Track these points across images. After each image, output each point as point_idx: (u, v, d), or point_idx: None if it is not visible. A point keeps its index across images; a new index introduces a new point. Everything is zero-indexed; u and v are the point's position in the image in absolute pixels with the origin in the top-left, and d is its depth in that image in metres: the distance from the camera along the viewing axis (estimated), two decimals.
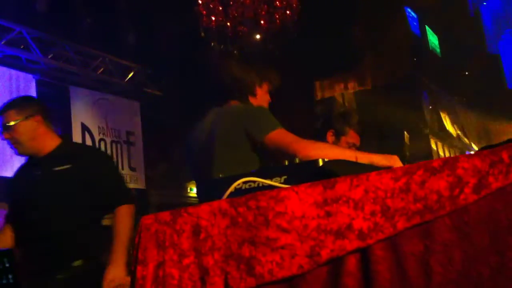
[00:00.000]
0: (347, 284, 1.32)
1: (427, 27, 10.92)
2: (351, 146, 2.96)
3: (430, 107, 11.09)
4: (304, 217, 1.41)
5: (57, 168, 2.72)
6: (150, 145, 8.56)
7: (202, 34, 7.38)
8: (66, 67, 7.55)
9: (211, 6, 7.13)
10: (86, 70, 7.82)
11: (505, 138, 1.48)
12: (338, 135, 2.99)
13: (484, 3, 12.10)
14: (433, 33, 11.16)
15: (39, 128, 2.78)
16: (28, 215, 2.73)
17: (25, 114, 2.75)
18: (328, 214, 1.39)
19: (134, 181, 8.20)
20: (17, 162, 3.84)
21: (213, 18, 7.16)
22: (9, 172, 5.71)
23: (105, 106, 8.00)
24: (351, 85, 10.01)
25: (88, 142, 7.61)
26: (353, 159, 1.92)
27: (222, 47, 8.00)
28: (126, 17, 7.86)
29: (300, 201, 1.43)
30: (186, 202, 9.09)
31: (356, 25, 9.84)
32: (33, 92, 6.99)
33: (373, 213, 1.33)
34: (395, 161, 1.96)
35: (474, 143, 17.75)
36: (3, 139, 2.77)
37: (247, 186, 1.68)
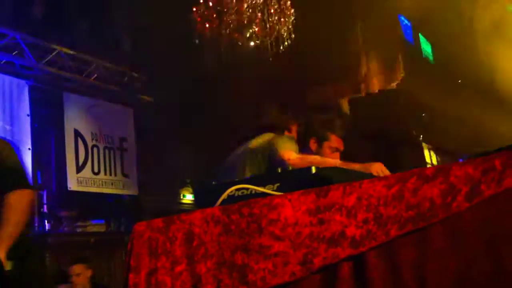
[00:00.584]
0: None
1: (420, 35, 10.97)
2: (334, 151, 2.97)
3: (424, 114, 11.18)
4: (297, 225, 1.40)
5: None
6: (143, 152, 8.52)
7: (197, 41, 7.37)
8: (60, 73, 7.52)
9: (206, 13, 7.13)
10: (80, 76, 7.79)
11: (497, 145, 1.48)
12: (320, 141, 3.00)
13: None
14: (426, 41, 11.22)
15: None
16: None
17: None
18: (321, 222, 1.38)
19: (127, 187, 8.16)
20: None
21: (208, 25, 7.16)
22: None
23: (99, 112, 7.96)
24: (345, 92, 10.04)
25: (81, 148, 7.57)
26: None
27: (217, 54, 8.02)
28: (121, 23, 7.86)
29: (293, 209, 1.42)
30: (179, 209, 9.05)
31: (351, 33, 9.88)
32: (26, 98, 6.96)
33: (365, 221, 1.33)
34: (377, 168, 2.17)
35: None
36: None
37: (240, 193, 1.67)
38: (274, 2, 7.15)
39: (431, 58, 11.31)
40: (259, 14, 7.22)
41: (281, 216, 1.42)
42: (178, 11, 7.26)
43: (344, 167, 2.24)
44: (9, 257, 2.52)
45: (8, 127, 6.60)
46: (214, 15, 7.12)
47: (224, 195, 1.66)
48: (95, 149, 7.78)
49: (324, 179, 1.53)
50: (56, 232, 6.81)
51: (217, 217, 1.52)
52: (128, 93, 8.44)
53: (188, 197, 9.55)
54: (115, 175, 8.01)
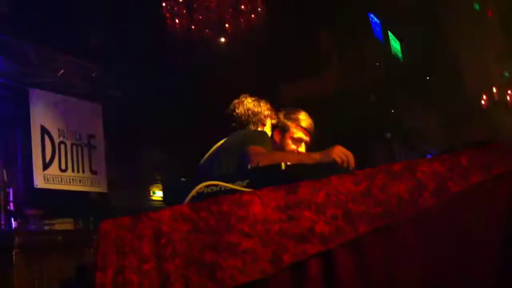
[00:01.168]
0: None
1: (389, 33, 11.09)
2: (297, 142, 2.98)
3: (393, 111, 11.32)
4: (266, 221, 1.40)
5: None
6: (112, 148, 8.40)
7: (167, 37, 7.30)
8: (25, 69, 7.36)
9: (176, 9, 7.06)
10: (46, 71, 7.63)
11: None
12: (282, 132, 3.02)
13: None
14: (395, 38, 11.35)
15: None
16: None
17: None
18: (291, 218, 1.38)
19: (95, 185, 8.03)
20: None
21: (178, 21, 7.09)
22: None
23: (66, 109, 7.81)
24: (316, 89, 10.08)
25: (48, 144, 7.42)
26: (298, 162, 2.12)
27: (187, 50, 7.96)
28: (88, 17, 7.71)
29: (262, 205, 1.41)
30: (150, 206, 8.97)
31: (322, 30, 9.93)
32: None
33: (334, 217, 1.33)
34: (338, 152, 2.21)
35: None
36: None
37: (209, 190, 1.66)
38: None
39: (400, 55, 11.45)
40: (230, 10, 7.19)
41: (250, 213, 1.41)
42: (148, 6, 7.18)
43: (305, 158, 2.28)
44: None
45: None
46: (184, 11, 7.06)
47: (193, 192, 1.65)
48: (62, 146, 7.63)
49: (293, 175, 1.53)
50: (23, 231, 6.67)
51: (186, 214, 1.50)
52: (97, 89, 8.30)
53: (158, 194, 9.48)
54: (83, 172, 7.88)
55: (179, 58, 8.34)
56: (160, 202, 9.20)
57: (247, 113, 2.95)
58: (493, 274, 1.17)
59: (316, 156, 2.26)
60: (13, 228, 6.60)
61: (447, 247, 1.24)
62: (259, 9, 7.27)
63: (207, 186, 1.65)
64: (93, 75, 8.18)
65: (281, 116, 3.07)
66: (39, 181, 7.15)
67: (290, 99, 9.59)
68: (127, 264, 1.53)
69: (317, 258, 1.33)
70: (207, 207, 1.48)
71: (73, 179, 7.68)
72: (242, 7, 7.19)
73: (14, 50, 7.14)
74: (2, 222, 6.50)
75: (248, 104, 2.98)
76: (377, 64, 10.75)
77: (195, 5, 7.08)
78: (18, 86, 7.33)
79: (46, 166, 7.30)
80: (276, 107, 3.08)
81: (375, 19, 10.49)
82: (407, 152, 10.53)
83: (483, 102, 10.23)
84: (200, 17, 7.11)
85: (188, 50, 8.00)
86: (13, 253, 5.60)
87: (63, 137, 7.66)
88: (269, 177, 1.58)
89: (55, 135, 7.53)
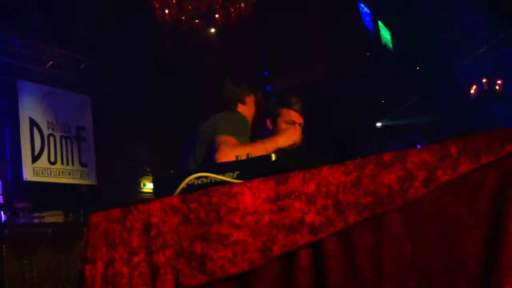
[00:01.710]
0: (298, 280, 1.32)
1: (379, 22, 11.08)
2: (290, 124, 2.95)
3: (383, 101, 11.34)
4: (256, 213, 1.40)
5: None
6: (102, 140, 8.37)
7: (156, 28, 7.27)
8: (13, 61, 7.30)
9: None
10: (34, 63, 7.57)
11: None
12: (274, 118, 3.00)
13: None
14: (385, 28, 11.34)
15: None
16: None
17: None
18: (281, 209, 1.38)
19: (85, 177, 8.01)
20: None
21: (167, 12, 7.05)
22: None
23: (55, 101, 7.76)
24: (304, 79, 10.08)
25: (37, 137, 7.37)
26: (264, 151, 2.22)
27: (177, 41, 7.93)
28: (77, 8, 7.64)
29: (252, 197, 1.41)
30: (140, 198, 8.96)
31: (311, 20, 9.91)
32: None
33: (325, 207, 1.34)
34: (295, 133, 2.43)
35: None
36: None
37: (199, 181, 1.66)
38: None
39: (390, 45, 11.45)
40: (220, 0, 7.16)
41: (240, 204, 1.41)
42: None
43: (271, 146, 2.41)
44: None
45: None
46: (174, 1, 7.02)
47: (183, 184, 1.64)
48: (51, 138, 7.60)
49: (284, 166, 1.53)
50: (13, 224, 6.64)
51: (176, 206, 1.50)
52: (85, 81, 8.25)
53: (148, 186, 9.47)
54: (73, 164, 7.85)
55: (168, 50, 8.31)
56: (150, 194, 9.20)
57: (226, 93, 2.97)
58: (480, 264, 1.18)
59: (280, 142, 2.46)
60: (3, 221, 6.59)
61: (434, 238, 1.25)
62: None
63: (197, 178, 1.65)
64: (81, 67, 8.14)
65: (272, 103, 3.06)
66: (28, 174, 7.12)
67: (279, 89, 9.60)
68: (117, 256, 1.53)
69: (307, 248, 1.33)
70: (197, 198, 1.48)
71: (62, 172, 7.65)
72: None
73: (2, 43, 7.08)
74: None
75: (227, 84, 3.00)
76: (367, 54, 10.77)
77: None
78: (6, 78, 7.27)
79: (35, 158, 7.27)
80: (266, 97, 3.07)
81: (365, 8, 10.48)
82: (396, 142, 10.59)
83: (472, 91, 10.27)
84: (190, 7, 7.07)
85: (177, 42, 7.97)
86: (3, 246, 5.60)
87: (52, 129, 7.62)
88: (259, 168, 1.58)
89: (44, 127, 7.49)
